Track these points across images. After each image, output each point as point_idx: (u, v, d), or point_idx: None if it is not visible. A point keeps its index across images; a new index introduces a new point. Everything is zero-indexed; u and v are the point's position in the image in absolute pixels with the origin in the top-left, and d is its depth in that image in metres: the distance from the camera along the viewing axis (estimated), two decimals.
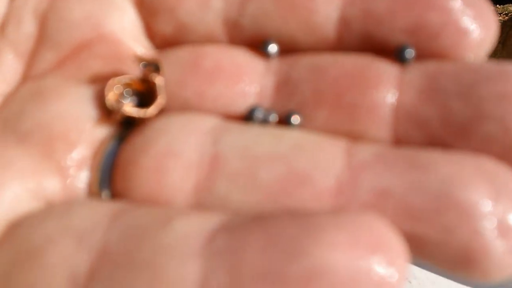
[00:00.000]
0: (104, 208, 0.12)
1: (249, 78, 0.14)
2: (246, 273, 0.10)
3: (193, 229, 0.11)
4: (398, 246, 0.10)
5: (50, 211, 0.12)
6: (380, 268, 0.10)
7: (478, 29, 0.13)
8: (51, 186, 0.13)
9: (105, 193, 0.13)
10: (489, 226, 0.11)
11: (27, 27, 0.15)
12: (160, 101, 0.13)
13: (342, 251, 0.10)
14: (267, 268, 0.10)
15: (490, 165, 0.11)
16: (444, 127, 0.12)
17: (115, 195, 0.13)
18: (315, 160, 0.12)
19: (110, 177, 0.13)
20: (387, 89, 0.13)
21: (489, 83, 0.12)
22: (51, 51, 0.15)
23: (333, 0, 0.13)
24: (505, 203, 0.11)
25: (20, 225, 0.12)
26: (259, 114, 0.13)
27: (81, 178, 0.13)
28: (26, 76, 0.15)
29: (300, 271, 0.09)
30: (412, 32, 0.13)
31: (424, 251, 0.11)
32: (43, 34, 0.15)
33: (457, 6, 0.13)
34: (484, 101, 0.12)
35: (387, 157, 0.12)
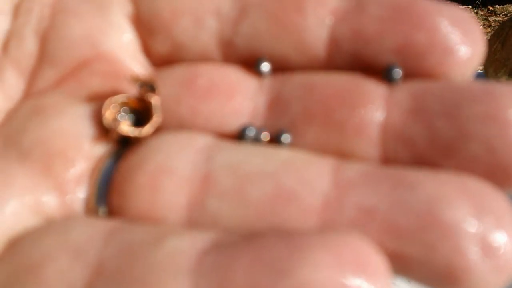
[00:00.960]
0: (100, 225, 0.12)
1: (242, 97, 0.14)
2: None
3: (184, 247, 0.11)
4: (380, 266, 0.10)
5: (49, 228, 0.13)
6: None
7: (465, 48, 0.13)
8: (50, 202, 0.13)
9: (102, 210, 0.13)
10: (472, 245, 0.11)
11: (29, 45, 0.15)
12: (155, 120, 0.14)
13: (326, 270, 0.10)
14: (255, 287, 0.10)
15: (474, 184, 0.12)
16: (430, 147, 0.12)
17: (111, 211, 0.13)
18: (303, 178, 0.12)
19: (107, 194, 0.13)
20: (375, 108, 0.13)
21: (474, 104, 0.12)
22: (51, 69, 0.15)
23: (323, 21, 0.14)
24: (488, 222, 0.11)
25: (19, 241, 0.12)
26: (250, 133, 0.13)
27: (79, 195, 0.13)
28: (28, 93, 0.15)
29: None
30: (400, 52, 0.13)
31: (408, 269, 0.11)
32: (44, 52, 0.15)
33: (443, 26, 0.13)
34: (468, 122, 0.12)
35: (373, 176, 0.12)
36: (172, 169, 0.13)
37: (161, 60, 0.15)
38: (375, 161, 0.13)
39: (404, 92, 0.13)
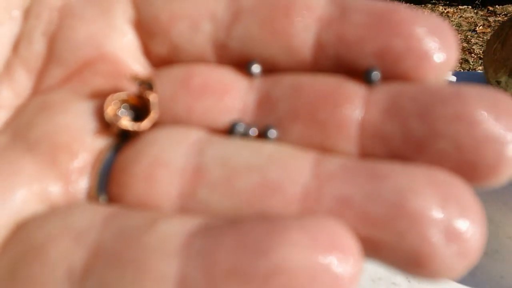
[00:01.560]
0: (100, 211, 0.13)
1: (233, 96, 0.15)
2: (219, 271, 0.11)
3: (174, 231, 0.12)
4: (352, 247, 0.11)
5: (53, 213, 0.14)
6: (335, 266, 0.11)
7: (439, 54, 0.14)
8: (55, 190, 0.14)
9: (102, 198, 0.14)
10: (436, 232, 0.12)
11: (38, 46, 0.17)
12: (153, 116, 0.15)
13: (302, 250, 0.11)
14: (236, 267, 0.11)
15: (441, 177, 0.12)
16: (404, 143, 0.13)
17: (111, 199, 0.14)
18: (286, 170, 0.13)
19: (107, 183, 0.14)
20: (354, 107, 0.14)
21: (444, 105, 0.13)
22: (58, 68, 0.16)
23: (310, 27, 0.15)
24: (453, 211, 0.12)
25: (25, 225, 0.14)
26: (240, 128, 0.15)
27: (82, 184, 0.15)
28: (36, 91, 0.16)
29: (264, 268, 0.11)
30: (379, 56, 0.14)
31: (379, 254, 0.12)
32: (52, 53, 0.17)
33: (419, 33, 0.14)
34: (439, 121, 0.13)
35: (351, 169, 0.13)
36: (167, 161, 0.14)
37: (160, 61, 0.17)
38: (353, 155, 0.14)
39: (382, 93, 0.14)
